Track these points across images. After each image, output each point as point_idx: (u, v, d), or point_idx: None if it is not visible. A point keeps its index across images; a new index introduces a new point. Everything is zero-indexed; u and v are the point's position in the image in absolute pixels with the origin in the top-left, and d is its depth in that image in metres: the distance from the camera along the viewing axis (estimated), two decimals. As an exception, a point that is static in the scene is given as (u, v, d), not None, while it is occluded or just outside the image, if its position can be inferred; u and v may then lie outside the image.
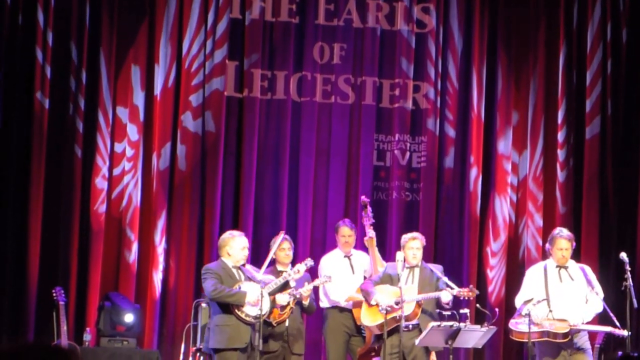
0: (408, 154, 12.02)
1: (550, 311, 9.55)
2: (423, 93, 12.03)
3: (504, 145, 12.07)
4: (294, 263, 9.85)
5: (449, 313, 9.60)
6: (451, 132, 12.05)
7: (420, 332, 9.42)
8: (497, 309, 10.43)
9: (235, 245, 9.40)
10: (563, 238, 9.79)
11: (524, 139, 12.14)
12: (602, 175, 12.07)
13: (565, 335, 9.48)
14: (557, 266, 9.79)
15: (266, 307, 9.21)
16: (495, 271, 11.91)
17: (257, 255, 10.84)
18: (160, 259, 11.46)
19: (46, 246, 11.17)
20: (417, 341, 9.33)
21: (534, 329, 9.44)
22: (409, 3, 12.06)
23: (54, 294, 10.47)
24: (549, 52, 12.18)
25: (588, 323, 9.67)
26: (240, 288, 9.22)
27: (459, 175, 12.03)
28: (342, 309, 10.21)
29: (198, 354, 10.06)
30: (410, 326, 9.56)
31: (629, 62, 12.15)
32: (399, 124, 12.00)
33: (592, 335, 9.97)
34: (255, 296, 9.15)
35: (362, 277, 10.22)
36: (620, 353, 8.84)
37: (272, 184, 11.78)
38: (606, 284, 10.21)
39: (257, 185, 11.71)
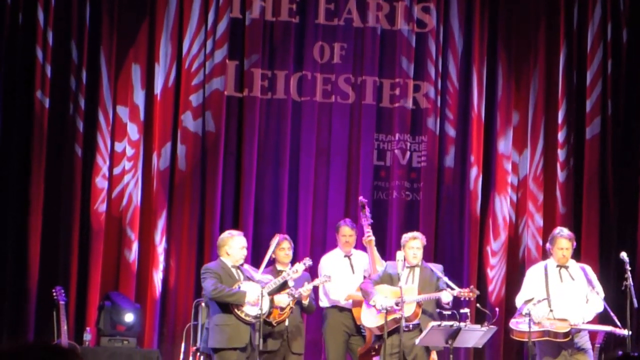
0: (408, 153, 12.02)
1: (551, 311, 9.55)
2: (423, 92, 12.03)
3: (504, 145, 12.07)
4: (293, 263, 9.85)
5: (449, 313, 9.60)
6: (451, 131, 12.05)
7: (421, 331, 9.41)
8: (497, 309, 10.43)
9: (234, 245, 9.40)
10: (563, 238, 9.79)
11: (524, 138, 12.14)
12: (603, 175, 12.07)
13: (565, 334, 9.48)
14: (557, 266, 9.79)
15: (265, 307, 9.22)
16: (496, 271, 11.91)
17: (257, 255, 10.84)
18: (161, 258, 11.46)
19: (46, 245, 11.17)
20: (417, 341, 9.33)
21: (535, 328, 9.44)
22: (409, 2, 12.06)
23: (54, 294, 10.47)
24: (549, 52, 12.18)
25: (589, 323, 9.67)
26: (239, 288, 9.23)
27: (459, 174, 12.03)
28: (341, 309, 10.21)
29: (198, 354, 10.06)
30: (411, 326, 9.56)
31: (629, 62, 12.15)
32: (399, 124, 12.00)
33: (593, 335, 9.97)
34: (255, 296, 9.15)
35: (362, 276, 10.22)
36: (620, 352, 8.84)
37: (272, 183, 11.78)
38: (606, 283, 10.21)
39: (257, 184, 11.71)
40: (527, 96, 12.18)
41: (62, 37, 11.37)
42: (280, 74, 11.88)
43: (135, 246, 11.41)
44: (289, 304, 9.56)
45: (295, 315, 9.76)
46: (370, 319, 9.76)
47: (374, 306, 9.54)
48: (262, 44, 11.84)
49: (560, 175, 12.06)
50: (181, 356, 10.61)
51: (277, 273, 9.74)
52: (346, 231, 10.37)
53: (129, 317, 10.84)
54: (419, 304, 9.56)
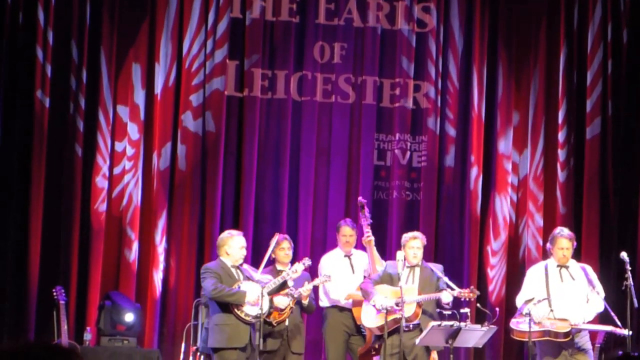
0: (408, 153, 12.02)
1: (552, 310, 9.55)
2: (423, 92, 12.03)
3: (505, 144, 12.07)
4: (293, 262, 9.85)
5: (449, 312, 9.59)
6: (452, 131, 12.05)
7: (421, 331, 9.41)
8: (497, 309, 10.43)
9: (233, 245, 9.40)
10: (564, 237, 9.79)
11: (525, 138, 12.14)
12: (603, 175, 12.06)
13: (566, 334, 9.48)
14: (558, 266, 9.79)
15: (265, 307, 9.21)
16: (496, 270, 11.90)
17: (257, 255, 10.84)
18: (161, 258, 11.46)
19: (47, 245, 11.16)
20: (417, 341, 9.32)
21: (535, 328, 9.44)
22: (409, 2, 12.06)
23: (55, 293, 10.47)
24: (549, 52, 12.17)
25: (589, 322, 9.67)
26: (239, 288, 9.23)
27: (459, 174, 12.03)
28: (341, 308, 10.21)
29: (198, 354, 10.06)
30: (411, 326, 9.55)
31: (629, 62, 12.14)
32: (399, 124, 12.00)
33: (593, 335, 9.97)
34: (255, 296, 9.15)
35: (362, 276, 10.21)
36: (620, 352, 8.84)
37: (272, 183, 11.78)
38: (607, 283, 10.21)
39: (257, 184, 11.71)
40: (527, 96, 12.17)
41: (63, 37, 11.37)
42: (281, 74, 11.88)
43: (135, 246, 11.41)
44: (288, 305, 9.56)
45: (295, 315, 9.75)
46: (370, 319, 9.76)
47: (374, 306, 9.54)
48: (263, 43, 11.84)
49: (561, 175, 12.06)
50: (181, 356, 10.61)
51: (277, 273, 9.73)
52: (346, 231, 10.37)
53: (129, 317, 10.84)
54: (419, 304, 9.56)
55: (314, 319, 10.97)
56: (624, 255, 9.71)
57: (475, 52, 12.08)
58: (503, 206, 11.98)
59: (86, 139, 11.39)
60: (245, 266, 9.62)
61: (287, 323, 9.66)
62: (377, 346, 9.83)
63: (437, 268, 9.93)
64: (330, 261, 10.40)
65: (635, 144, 12.10)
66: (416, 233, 10.00)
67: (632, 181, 12.06)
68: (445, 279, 9.73)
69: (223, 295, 9.15)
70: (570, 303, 9.61)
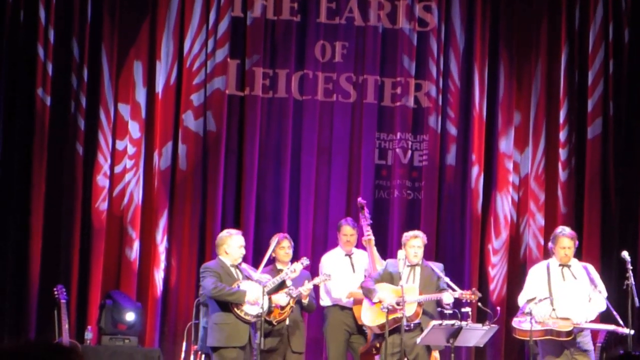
0: (410, 152, 12.01)
1: (554, 310, 9.55)
2: (425, 91, 12.02)
3: (506, 144, 12.07)
4: (293, 262, 9.84)
5: (450, 312, 9.59)
6: (453, 130, 12.04)
7: (422, 331, 9.41)
8: (498, 308, 10.42)
9: (232, 244, 9.40)
10: (565, 237, 9.78)
11: (526, 138, 12.14)
12: (604, 174, 12.06)
13: (568, 333, 9.48)
14: (560, 265, 9.79)
15: (265, 306, 9.21)
16: (497, 269, 11.90)
17: (258, 254, 10.83)
18: (162, 257, 11.45)
19: (47, 244, 11.16)
20: (418, 340, 9.32)
21: (538, 327, 9.44)
22: (410, 1, 12.06)
23: (56, 292, 10.47)
24: (550, 52, 12.16)
25: (591, 322, 9.66)
26: (239, 287, 9.22)
27: (460, 173, 12.03)
28: (342, 308, 10.21)
29: (199, 353, 10.06)
30: (412, 325, 9.55)
31: (630, 62, 12.14)
32: (400, 123, 12.00)
33: (594, 334, 9.97)
34: (255, 295, 9.15)
35: (362, 275, 10.21)
36: (621, 351, 8.83)
37: (273, 182, 11.77)
38: (608, 282, 10.20)
39: (258, 183, 11.70)
40: (528, 95, 12.17)
41: (64, 35, 11.37)
42: (282, 73, 11.87)
43: (136, 245, 11.40)
44: (289, 303, 9.55)
45: (295, 314, 9.75)
46: (370, 318, 9.75)
47: (379, 302, 9.51)
48: (264, 42, 11.84)
49: (562, 174, 12.05)
50: (182, 355, 10.61)
51: (277, 272, 9.73)
52: (347, 230, 10.36)
53: (130, 316, 10.84)
54: (419, 304, 9.56)
55: (314, 318, 10.97)
56: (625, 254, 9.71)
57: (476, 51, 12.08)
58: (504, 205, 11.98)
59: (87, 137, 11.39)
60: (244, 265, 9.62)
61: (287, 322, 9.66)
62: (378, 345, 9.82)
63: (438, 267, 9.92)
64: (331, 260, 10.40)
65: (637, 143, 12.09)
66: (417, 232, 10.00)
67: (633, 181, 12.06)
68: (447, 279, 9.72)
69: (223, 294, 9.15)
70: (573, 302, 9.61)
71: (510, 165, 12.06)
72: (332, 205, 11.81)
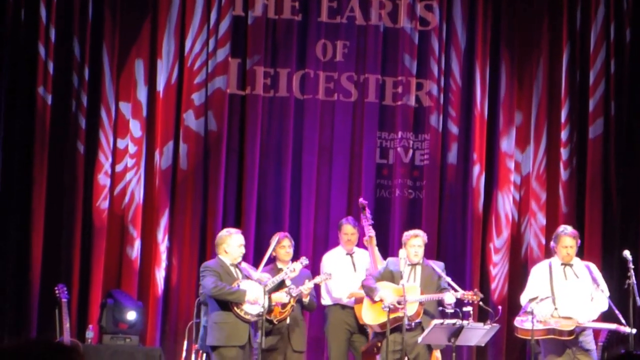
0: (411, 151, 12.01)
1: (556, 309, 9.54)
2: (426, 90, 12.02)
3: (507, 143, 12.06)
4: (294, 261, 9.82)
5: (452, 311, 9.58)
6: (454, 129, 12.04)
7: (423, 330, 9.41)
8: (500, 307, 10.39)
9: (232, 243, 9.39)
10: (568, 235, 9.77)
11: (527, 137, 12.13)
12: (605, 174, 12.05)
13: (570, 332, 9.47)
14: (562, 264, 9.78)
15: (265, 305, 9.20)
16: (498, 268, 11.89)
17: (259, 253, 10.82)
18: (163, 256, 11.45)
19: (48, 243, 11.16)
20: (420, 339, 9.32)
21: (540, 326, 9.43)
22: (412, 0, 12.05)
23: (57, 291, 10.46)
24: (552, 51, 12.16)
25: (593, 321, 9.65)
26: (239, 286, 9.22)
27: (461, 172, 12.02)
28: (343, 307, 10.21)
29: (200, 352, 10.06)
30: (413, 324, 9.55)
31: (632, 61, 12.13)
32: (402, 122, 11.99)
33: (596, 333, 9.96)
34: (255, 294, 9.15)
35: (364, 275, 10.21)
36: (623, 351, 8.83)
37: (274, 181, 11.77)
38: (610, 282, 10.19)
39: (259, 183, 11.70)
40: (530, 95, 12.16)
41: (65, 34, 11.36)
42: (283, 72, 11.87)
43: (137, 244, 11.40)
44: (289, 302, 9.55)
45: (296, 313, 9.75)
46: (371, 317, 9.75)
47: (380, 301, 9.51)
48: (265, 42, 11.83)
49: (563, 174, 12.04)
50: (183, 354, 10.61)
51: (278, 271, 9.73)
52: (348, 229, 10.36)
53: (131, 315, 10.84)
54: (421, 303, 9.55)
55: (315, 317, 10.96)
56: (626, 253, 9.70)
57: (477, 50, 12.07)
58: (505, 204, 11.97)
59: (88, 136, 11.39)
60: (244, 264, 9.61)
61: (288, 321, 9.65)
62: (379, 344, 9.82)
63: (439, 266, 9.91)
64: (332, 259, 10.39)
65: (638, 143, 12.08)
66: (417, 231, 9.99)
67: (635, 180, 12.05)
68: (448, 279, 9.72)
69: (223, 293, 9.14)
70: (575, 301, 9.60)
71: (512, 165, 12.05)
72: (333, 204, 11.81)
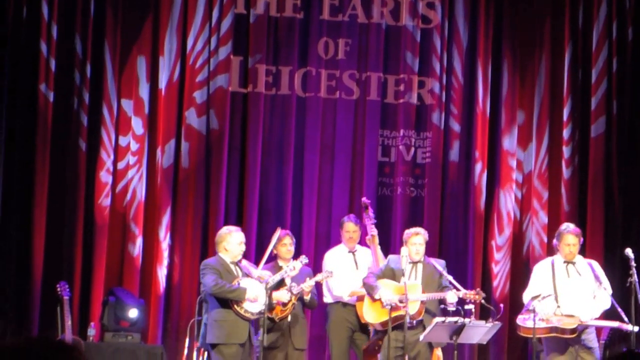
0: (413, 149, 12.00)
1: (558, 307, 9.54)
2: (428, 88, 12.01)
3: (509, 141, 12.05)
4: (295, 259, 9.81)
5: (453, 309, 9.58)
6: (456, 126, 12.03)
7: (424, 328, 9.40)
8: (501, 305, 10.41)
9: (232, 241, 9.38)
10: (570, 233, 9.77)
11: (529, 135, 12.12)
12: (607, 172, 12.04)
13: (573, 330, 9.47)
14: (564, 262, 9.78)
15: (266, 303, 9.20)
16: (500, 266, 11.88)
17: (260, 251, 10.81)
18: (165, 254, 11.45)
19: (50, 240, 11.16)
20: (421, 337, 9.31)
21: (542, 324, 9.43)
22: (414, -2, 12.06)
23: (58, 289, 10.46)
24: (554, 50, 12.15)
25: (595, 319, 9.65)
26: (239, 284, 9.21)
27: (463, 170, 12.01)
28: (345, 304, 10.21)
29: (202, 349, 10.05)
30: (414, 322, 9.54)
31: (634, 60, 12.12)
32: (403, 120, 11.98)
33: (598, 331, 9.96)
34: (255, 292, 9.14)
35: (366, 273, 10.20)
36: (624, 349, 8.82)
37: (276, 179, 11.76)
38: (612, 280, 10.19)
39: (261, 181, 11.70)
40: (532, 93, 12.15)
41: (66, 31, 11.36)
42: (285, 70, 11.87)
43: (139, 241, 11.40)
44: (290, 300, 9.54)
45: (297, 311, 9.75)
46: (372, 315, 9.74)
47: (380, 299, 9.51)
48: (267, 40, 11.83)
49: (565, 172, 12.03)
50: (185, 352, 10.61)
51: (279, 269, 9.72)
52: (350, 227, 10.36)
53: (133, 313, 10.84)
54: (422, 302, 9.55)
55: (317, 315, 10.96)
56: (628, 251, 9.69)
57: (479, 48, 12.06)
58: (507, 202, 11.97)
59: (90, 133, 11.39)
60: (244, 262, 9.60)
61: (289, 319, 9.65)
62: (380, 342, 9.81)
63: (440, 264, 9.91)
64: (334, 257, 10.39)
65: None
66: (418, 229, 9.99)
67: (637, 179, 12.05)
68: (449, 277, 9.71)
69: (224, 291, 9.14)
70: (577, 299, 9.60)
71: (514, 163, 12.04)
72: (335, 202, 11.80)
